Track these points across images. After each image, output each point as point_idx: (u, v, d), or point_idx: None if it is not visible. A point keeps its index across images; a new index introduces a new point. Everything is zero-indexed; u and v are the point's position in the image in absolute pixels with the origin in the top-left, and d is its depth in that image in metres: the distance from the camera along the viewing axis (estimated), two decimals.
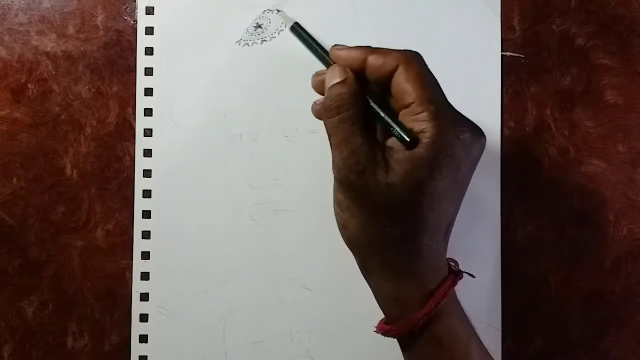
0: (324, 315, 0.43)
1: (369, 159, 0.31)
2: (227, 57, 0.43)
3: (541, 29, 0.44)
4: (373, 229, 0.32)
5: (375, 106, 0.33)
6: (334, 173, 0.32)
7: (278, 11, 0.42)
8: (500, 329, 0.43)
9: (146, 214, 0.43)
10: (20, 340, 0.43)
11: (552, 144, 0.44)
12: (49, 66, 0.43)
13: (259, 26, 0.43)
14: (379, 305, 0.34)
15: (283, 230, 0.43)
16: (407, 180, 0.31)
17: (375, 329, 0.34)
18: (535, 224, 0.43)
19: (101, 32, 0.43)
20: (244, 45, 0.43)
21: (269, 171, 0.43)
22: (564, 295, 0.43)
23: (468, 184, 0.34)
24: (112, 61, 0.43)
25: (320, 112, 0.34)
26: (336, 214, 0.34)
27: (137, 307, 0.43)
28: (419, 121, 0.31)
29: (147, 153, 0.43)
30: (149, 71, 0.43)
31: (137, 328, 0.43)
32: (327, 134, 0.33)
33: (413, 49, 0.34)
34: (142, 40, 0.43)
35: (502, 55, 0.43)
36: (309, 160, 0.43)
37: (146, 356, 0.43)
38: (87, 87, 0.43)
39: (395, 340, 0.34)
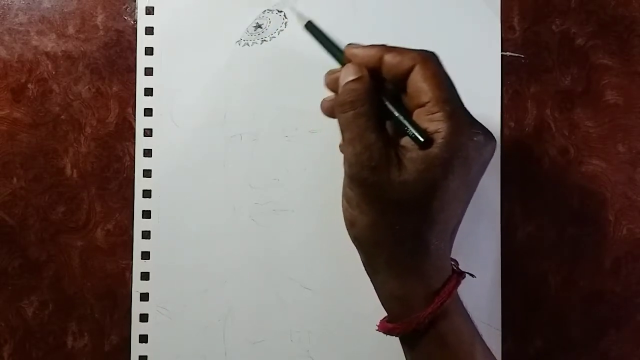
0: (324, 315, 0.43)
1: (383, 155, 0.31)
2: (227, 57, 0.43)
3: (541, 29, 0.44)
4: (382, 227, 0.32)
5: (389, 105, 0.33)
6: (345, 169, 0.32)
7: (291, 9, 0.42)
8: (500, 329, 0.43)
9: (146, 214, 0.43)
10: (20, 340, 0.43)
11: (552, 144, 0.44)
12: (49, 66, 0.43)
13: (259, 26, 0.43)
14: (382, 303, 0.34)
15: (283, 230, 0.43)
16: (420, 180, 0.31)
17: (377, 328, 0.34)
18: (535, 224, 0.43)
19: (101, 32, 0.43)
20: (244, 45, 0.43)
21: (269, 171, 0.43)
22: (564, 295, 0.43)
23: (476, 186, 0.34)
24: (112, 61, 0.43)
25: (331, 108, 0.34)
26: (344, 210, 0.33)
27: (137, 307, 0.43)
28: (434, 121, 0.31)
29: (147, 153, 0.43)
30: (149, 71, 0.43)
31: (137, 328, 0.43)
32: (341, 129, 0.33)
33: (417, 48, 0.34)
34: (142, 40, 0.43)
35: (502, 55, 0.43)
36: (309, 160, 0.43)
37: (146, 356, 0.43)
38: (87, 87, 0.43)
39: (396, 339, 0.34)
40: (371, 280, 0.34)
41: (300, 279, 0.43)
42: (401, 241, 0.32)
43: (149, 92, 0.43)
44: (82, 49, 0.43)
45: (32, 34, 0.43)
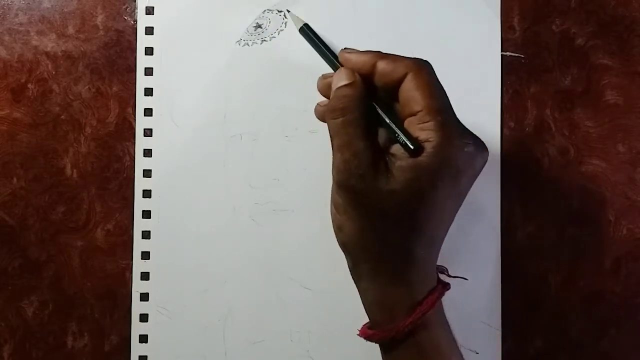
0: (324, 315, 0.43)
1: (371, 163, 0.31)
2: (227, 57, 0.43)
3: (541, 29, 0.44)
4: (369, 234, 0.32)
5: (381, 112, 0.33)
6: (333, 175, 0.32)
7: (288, 11, 0.42)
8: (500, 329, 0.43)
9: (146, 214, 0.43)
10: (20, 340, 0.43)
11: (552, 144, 0.44)
12: (49, 66, 0.43)
13: (259, 26, 0.43)
14: (365, 309, 0.34)
15: (283, 230, 0.43)
16: (408, 189, 0.31)
17: (358, 333, 0.35)
18: (535, 224, 0.43)
19: (101, 32, 0.43)
20: (244, 45, 0.43)
21: (269, 171, 0.43)
22: (564, 295, 0.43)
23: (465, 196, 0.33)
24: (112, 61, 0.43)
25: (324, 113, 0.34)
26: (332, 216, 0.34)
27: (137, 307, 0.43)
28: (425, 130, 0.31)
29: (147, 153, 0.43)
30: (149, 71, 0.43)
31: (137, 328, 0.43)
32: (330, 135, 0.33)
33: (413, 50, 0.34)
34: (142, 40, 0.43)
35: (502, 55, 0.43)
36: (309, 160, 0.43)
37: (146, 356, 0.43)
38: (87, 87, 0.43)
39: None
40: (356, 285, 0.34)
41: (300, 279, 0.43)
42: (386, 249, 0.32)
43: (149, 92, 0.43)
44: (82, 49, 0.43)
45: (32, 34, 0.43)
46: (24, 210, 0.43)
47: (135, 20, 0.43)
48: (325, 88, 0.35)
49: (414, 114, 0.32)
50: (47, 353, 0.43)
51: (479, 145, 0.33)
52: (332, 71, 0.35)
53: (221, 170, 0.43)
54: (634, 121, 0.44)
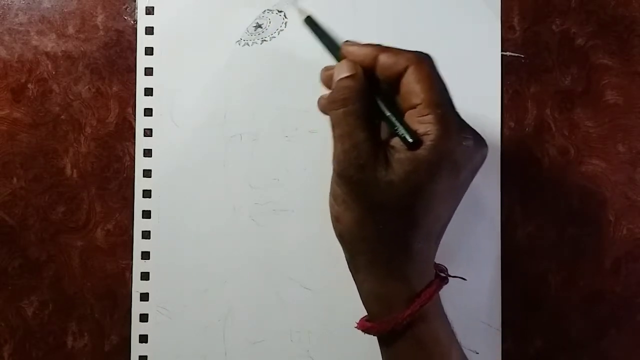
0: (324, 315, 0.43)
1: (371, 154, 0.31)
2: (227, 57, 0.43)
3: (541, 29, 0.44)
4: (366, 225, 0.32)
5: (381, 104, 0.33)
6: (333, 165, 0.32)
7: (293, 4, 0.42)
8: (500, 329, 0.43)
9: (146, 214, 0.43)
10: (20, 340, 0.43)
11: (552, 144, 0.44)
12: (49, 66, 0.43)
13: (259, 26, 0.43)
14: (363, 302, 0.34)
15: (283, 230, 0.43)
16: (406, 181, 0.31)
17: (356, 325, 0.34)
18: (535, 224, 0.43)
19: (101, 32, 0.43)
20: (244, 45, 0.43)
21: (269, 171, 0.43)
22: (564, 295, 0.43)
23: (465, 192, 0.34)
24: (112, 61, 0.43)
25: (326, 105, 0.34)
26: (331, 206, 0.34)
27: (137, 307, 0.43)
28: (424, 123, 0.31)
29: (147, 153, 0.43)
30: (149, 71, 0.43)
31: (137, 328, 0.43)
32: (331, 125, 0.33)
33: (413, 49, 0.34)
34: (142, 40, 0.43)
35: (502, 55, 0.43)
36: (309, 160, 0.43)
37: (146, 356, 0.43)
38: (87, 87, 0.43)
39: None
40: (353, 278, 0.34)
41: (300, 279, 0.43)
42: (384, 241, 0.32)
43: (149, 92, 0.43)
44: (82, 49, 0.43)
45: (32, 34, 0.43)
46: (24, 210, 0.43)
47: (135, 20, 0.43)
48: (327, 80, 0.35)
49: (413, 107, 0.32)
50: (47, 353, 0.43)
51: (479, 140, 0.33)
52: (335, 63, 0.35)
53: (221, 170, 0.43)
54: (634, 121, 0.44)
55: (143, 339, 0.43)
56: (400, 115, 0.33)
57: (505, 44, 0.44)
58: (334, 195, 0.33)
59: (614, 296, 0.43)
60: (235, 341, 0.43)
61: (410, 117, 0.32)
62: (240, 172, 0.43)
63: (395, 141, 0.32)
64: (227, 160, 0.43)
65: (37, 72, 0.43)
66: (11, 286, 0.43)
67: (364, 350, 0.43)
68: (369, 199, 0.31)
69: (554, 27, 0.44)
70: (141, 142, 0.43)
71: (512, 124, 0.43)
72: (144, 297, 0.43)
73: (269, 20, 0.43)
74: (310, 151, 0.43)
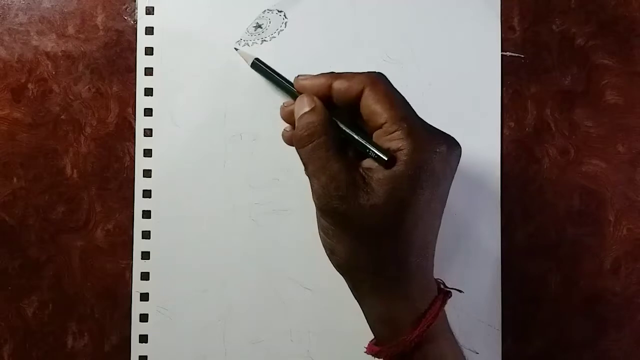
0: (324, 315, 0.43)
1: (349, 183, 0.31)
2: (227, 57, 0.43)
3: (541, 29, 0.44)
4: (361, 253, 0.32)
5: (347, 130, 0.33)
6: (314, 201, 0.32)
7: (236, 49, 0.42)
8: (500, 329, 0.43)
9: (146, 214, 0.43)
10: (20, 340, 0.43)
11: (552, 144, 0.44)
12: (49, 66, 0.43)
13: (259, 26, 0.43)
14: (370, 327, 0.34)
15: (283, 230, 0.43)
16: (390, 200, 0.30)
17: (365, 350, 0.35)
18: (535, 224, 0.43)
19: (101, 32, 0.43)
20: (244, 45, 0.43)
21: (269, 171, 0.43)
22: (564, 295, 0.43)
23: (447, 196, 0.33)
24: (112, 61, 0.43)
25: (291, 138, 0.34)
26: (323, 241, 0.34)
27: (137, 307, 0.43)
28: (394, 140, 0.31)
29: (147, 153, 0.43)
30: (149, 71, 0.43)
31: (137, 328, 0.43)
32: (303, 163, 0.33)
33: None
34: (142, 40, 0.43)
35: (502, 55, 0.43)
36: None
37: (146, 356, 0.43)
38: (87, 87, 0.43)
39: None
40: (360, 305, 0.34)
41: (300, 279, 0.43)
42: (381, 264, 0.32)
43: (149, 92, 0.43)
44: (82, 49, 0.43)
45: (32, 34, 0.43)
46: (24, 210, 0.43)
47: (135, 20, 0.43)
48: (288, 116, 0.36)
49: (379, 127, 0.32)
50: (47, 353, 0.43)
51: (451, 143, 0.32)
52: (291, 100, 0.36)
53: (221, 170, 0.43)
54: (634, 121, 0.44)
55: (143, 339, 0.43)
56: (367, 137, 0.33)
57: (505, 44, 0.44)
58: (323, 230, 0.33)
59: (614, 296, 0.43)
60: (235, 341, 0.43)
61: (378, 137, 0.32)
62: (240, 172, 0.43)
63: (369, 163, 0.32)
64: (227, 160, 0.43)
65: (37, 72, 0.43)
66: (11, 286, 0.43)
67: (363, 350, 0.43)
68: (358, 226, 0.31)
69: (554, 27, 0.44)
70: (141, 142, 0.43)
71: (512, 124, 0.43)
72: (144, 297, 0.43)
73: (269, 20, 0.43)
74: None
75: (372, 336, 0.35)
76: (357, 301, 0.34)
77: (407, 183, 0.30)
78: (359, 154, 0.33)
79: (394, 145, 0.31)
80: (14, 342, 0.43)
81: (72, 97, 0.43)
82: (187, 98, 0.43)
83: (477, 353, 0.43)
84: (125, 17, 0.43)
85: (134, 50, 0.43)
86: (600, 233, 0.44)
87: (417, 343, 0.32)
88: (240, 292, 0.43)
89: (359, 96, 0.32)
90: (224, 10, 0.43)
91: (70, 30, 0.43)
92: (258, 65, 0.40)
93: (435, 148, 0.31)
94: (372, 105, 0.32)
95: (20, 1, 0.43)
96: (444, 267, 0.43)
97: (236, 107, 0.43)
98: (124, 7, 0.43)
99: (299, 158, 0.33)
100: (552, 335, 0.43)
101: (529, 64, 0.44)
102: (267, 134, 0.43)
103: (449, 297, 0.34)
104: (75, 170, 0.43)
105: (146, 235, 0.43)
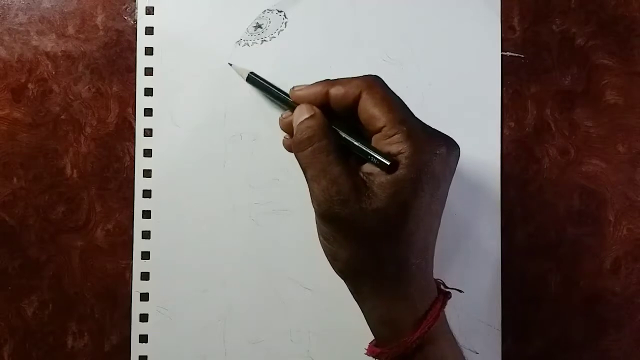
0: (324, 315, 0.43)
1: (351, 187, 0.31)
2: (227, 57, 0.43)
3: (541, 29, 0.44)
4: (363, 257, 0.32)
5: (347, 136, 0.33)
6: (314, 207, 0.32)
7: (230, 65, 0.42)
8: (500, 329, 0.43)
9: (146, 214, 0.43)
10: (20, 340, 0.43)
11: (552, 144, 0.44)
12: (49, 66, 0.43)
13: (259, 26, 0.43)
14: (371, 328, 0.34)
15: (283, 230, 0.43)
16: (392, 204, 0.30)
17: (366, 352, 0.35)
18: (535, 224, 0.43)
19: (101, 32, 0.43)
20: (244, 45, 0.43)
21: (269, 171, 0.43)
22: (564, 295, 0.43)
23: (446, 197, 0.33)
24: (112, 61, 0.43)
25: (290, 147, 0.35)
26: (324, 247, 0.33)
27: (137, 307, 0.43)
28: (394, 143, 0.31)
29: (147, 153, 0.43)
30: (149, 71, 0.43)
31: (137, 328, 0.43)
32: (302, 168, 0.33)
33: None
34: (142, 40, 0.43)
35: (502, 55, 0.43)
36: None
37: (146, 356, 0.43)
38: (87, 87, 0.43)
39: None
40: (360, 308, 0.34)
41: (300, 279, 0.43)
42: (383, 267, 0.32)
43: (149, 92, 0.43)
44: (82, 49, 0.43)
45: (32, 34, 0.43)
46: (24, 210, 0.43)
47: (135, 20, 0.43)
48: (287, 126, 0.36)
49: (378, 131, 0.32)
50: (47, 353, 0.43)
51: (450, 144, 0.32)
52: (289, 111, 0.36)
53: (221, 170, 0.43)
54: (634, 121, 0.44)
55: (143, 339, 0.43)
56: (367, 142, 0.33)
57: (505, 44, 0.44)
58: (323, 236, 0.33)
59: (614, 296, 0.43)
60: (235, 341, 0.43)
61: (377, 141, 0.32)
62: (240, 172, 0.43)
63: (370, 167, 0.32)
64: (227, 160, 0.43)
65: (37, 72, 0.43)
66: (11, 286, 0.43)
67: (363, 351, 0.43)
68: (360, 231, 0.31)
69: (554, 27, 0.44)
70: (141, 142, 0.43)
71: (512, 124, 0.43)
72: (144, 297, 0.43)
73: (269, 20, 0.43)
74: None
75: (372, 336, 0.35)
76: (358, 303, 0.34)
77: (409, 186, 0.30)
78: (357, 160, 0.33)
79: (394, 148, 0.31)
80: (14, 342, 0.43)
81: (72, 97, 0.43)
82: (187, 98, 0.43)
83: (477, 353, 0.43)
84: (125, 17, 0.43)
85: (134, 50, 0.43)
86: (600, 233, 0.44)
87: (418, 344, 0.32)
88: (240, 292, 0.43)
89: (356, 101, 0.32)
90: (224, 10, 0.43)
91: (70, 30, 0.43)
92: (253, 79, 0.40)
93: (435, 150, 0.31)
94: (370, 109, 0.32)
95: (20, 1, 0.43)
96: (444, 267, 0.43)
97: (236, 107, 0.43)
98: (124, 7, 0.43)
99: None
100: (552, 335, 0.43)
101: (529, 64, 0.44)
102: (267, 134, 0.43)
103: (449, 298, 0.34)
104: (75, 170, 0.43)
105: (146, 235, 0.43)
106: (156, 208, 0.43)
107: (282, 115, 0.36)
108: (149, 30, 0.43)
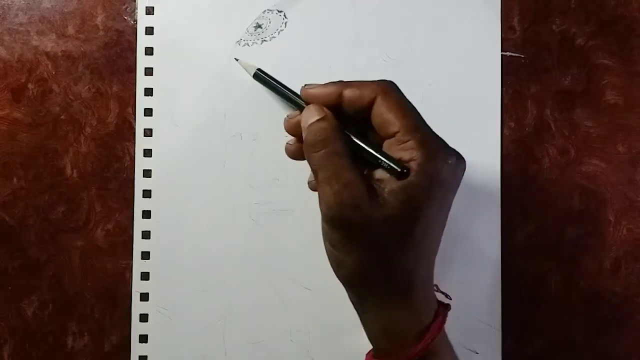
0: (324, 315, 0.43)
1: (364, 192, 0.30)
2: (227, 57, 0.43)
3: (541, 29, 0.44)
4: (371, 265, 0.31)
5: (358, 141, 0.33)
6: (322, 210, 0.31)
7: (237, 60, 0.41)
8: (500, 329, 0.43)
9: (146, 214, 0.43)
10: (20, 340, 0.43)
11: (552, 144, 0.44)
12: (49, 66, 0.43)
13: (259, 26, 0.43)
14: (371, 339, 0.34)
15: (283, 230, 0.43)
16: (403, 211, 0.30)
17: None
18: (535, 224, 0.43)
19: (101, 32, 0.43)
20: (244, 45, 0.43)
21: (269, 171, 0.43)
22: (564, 295, 0.43)
23: (450, 208, 0.33)
24: (112, 61, 0.43)
25: (296, 152, 0.34)
26: (329, 254, 0.33)
27: (137, 307, 0.43)
28: (407, 149, 0.31)
29: (147, 153, 0.43)
30: (149, 71, 0.43)
31: (137, 328, 0.43)
32: (313, 169, 0.32)
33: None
34: (142, 40, 0.43)
35: (502, 55, 0.43)
36: None
37: (146, 356, 0.43)
38: (87, 87, 0.43)
39: None
40: (360, 318, 0.34)
41: (300, 279, 0.43)
42: (390, 276, 0.31)
43: (149, 92, 0.43)
44: (82, 49, 0.43)
45: (32, 34, 0.43)
46: (24, 210, 0.43)
47: (135, 20, 0.43)
48: (293, 127, 0.35)
49: (391, 136, 0.31)
50: (47, 353, 0.43)
51: (459, 156, 0.32)
52: (295, 111, 0.35)
53: (221, 170, 0.43)
54: (634, 121, 0.44)
55: (143, 339, 0.43)
56: (378, 147, 0.32)
57: (505, 44, 0.44)
58: (330, 242, 0.32)
59: (614, 296, 0.43)
60: (235, 341, 0.43)
61: (390, 146, 0.32)
62: (240, 172, 0.43)
63: (380, 174, 0.31)
64: (227, 160, 0.43)
65: (37, 72, 0.43)
66: (11, 286, 0.43)
67: (363, 351, 0.43)
68: (369, 238, 0.31)
69: (554, 27, 0.44)
70: (141, 142, 0.43)
71: (512, 124, 0.43)
72: (144, 297, 0.43)
73: (269, 20, 0.43)
74: None
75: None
76: (359, 313, 0.34)
77: (420, 193, 0.30)
78: (368, 168, 0.33)
79: (406, 155, 0.31)
80: (14, 342, 0.43)
81: (72, 97, 0.43)
82: (187, 98, 0.43)
83: (477, 353, 0.43)
84: (125, 17, 0.43)
85: (134, 50, 0.43)
86: (600, 233, 0.43)
87: (421, 356, 0.32)
88: (240, 292, 0.43)
89: (370, 105, 0.32)
90: (224, 10, 0.43)
91: (70, 30, 0.43)
92: (260, 76, 0.39)
93: (447, 159, 0.31)
94: (385, 114, 0.31)
95: (20, 1, 0.43)
96: (444, 267, 0.43)
97: (236, 107, 0.43)
98: (124, 7, 0.43)
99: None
100: (552, 335, 0.43)
101: (529, 64, 0.44)
102: (267, 134, 0.43)
103: (449, 309, 0.34)
104: (75, 170, 0.43)
105: (146, 235, 0.43)
106: (156, 208, 0.43)
107: (288, 116, 0.35)
108: (149, 30, 0.43)
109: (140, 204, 0.43)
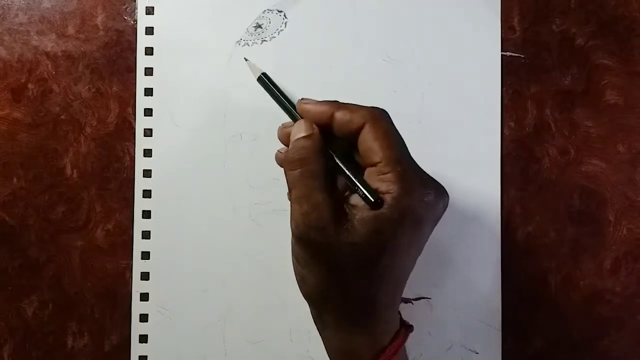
0: None
1: (331, 216, 0.30)
2: (227, 57, 0.43)
3: (541, 29, 0.44)
4: (331, 286, 0.31)
5: (340, 163, 0.33)
6: (291, 228, 0.32)
7: (246, 59, 0.41)
8: (500, 329, 0.43)
9: (146, 214, 0.43)
10: (20, 340, 0.43)
11: (552, 144, 0.44)
12: (49, 66, 0.43)
13: (259, 26, 0.43)
14: (329, 355, 0.34)
15: (283, 230, 0.43)
16: (369, 241, 0.30)
17: None
18: (535, 224, 0.43)
19: (101, 32, 0.43)
20: (244, 45, 0.43)
21: (269, 171, 0.43)
22: (564, 295, 0.43)
23: (426, 242, 0.33)
24: (112, 61, 0.43)
25: (282, 160, 0.34)
26: (294, 267, 0.33)
27: (137, 307, 0.43)
28: (385, 181, 0.31)
29: (147, 153, 0.43)
30: (149, 71, 0.43)
31: (137, 328, 0.43)
32: (288, 187, 0.32)
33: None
34: (142, 40, 0.43)
35: (502, 55, 0.43)
36: None
37: (146, 356, 0.43)
38: (87, 87, 0.43)
39: None
40: (320, 334, 0.34)
41: None
42: (350, 299, 0.31)
43: (149, 92, 0.43)
44: (82, 49, 0.43)
45: (32, 34, 0.43)
46: (24, 210, 0.43)
47: (135, 20, 0.43)
48: (285, 137, 0.35)
49: (373, 165, 0.31)
50: (47, 353, 0.43)
51: (440, 192, 0.32)
52: (291, 121, 0.35)
53: (221, 170, 0.43)
54: (634, 121, 0.44)
55: (143, 339, 0.43)
56: (360, 172, 0.32)
57: (505, 44, 0.44)
58: (296, 257, 0.33)
59: (614, 296, 0.43)
60: (235, 341, 0.43)
61: (370, 174, 0.32)
62: (240, 172, 0.43)
63: (355, 199, 0.31)
64: (227, 160, 0.43)
65: (37, 72, 0.43)
66: (11, 286, 0.43)
67: None
68: (333, 261, 0.31)
69: (554, 27, 0.44)
70: (141, 142, 0.43)
71: (512, 124, 0.43)
72: (144, 297, 0.43)
73: (269, 20, 0.43)
74: None
75: None
76: (318, 330, 0.34)
77: (389, 226, 0.30)
78: (347, 188, 0.33)
79: (383, 186, 0.31)
80: (14, 342, 0.43)
81: (72, 97, 0.43)
82: (187, 98, 0.43)
83: (477, 353, 0.43)
84: (125, 17, 0.43)
85: (134, 50, 0.43)
86: (600, 233, 0.43)
87: None
88: (240, 292, 0.43)
89: (358, 130, 0.32)
90: (224, 10, 0.43)
91: (70, 30, 0.43)
92: (264, 81, 0.39)
93: (423, 197, 0.31)
94: (370, 142, 0.31)
95: (20, 1, 0.43)
96: (444, 267, 0.43)
97: (236, 107, 0.43)
98: (124, 7, 0.43)
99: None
100: (552, 335, 0.43)
101: (529, 64, 0.44)
102: (267, 134, 0.43)
103: (411, 331, 0.34)
104: (75, 170, 0.43)
105: (146, 235, 0.43)
106: (156, 208, 0.43)
107: (282, 124, 0.36)
108: (149, 30, 0.43)
109: (140, 204, 0.43)
